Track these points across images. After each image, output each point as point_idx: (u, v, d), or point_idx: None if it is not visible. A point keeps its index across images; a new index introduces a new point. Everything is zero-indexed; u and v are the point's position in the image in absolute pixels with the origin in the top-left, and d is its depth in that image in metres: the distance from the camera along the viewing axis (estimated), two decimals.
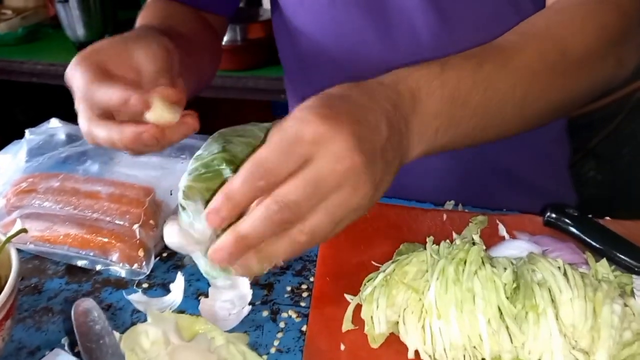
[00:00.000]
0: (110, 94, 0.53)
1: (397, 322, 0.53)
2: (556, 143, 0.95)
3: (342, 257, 0.64)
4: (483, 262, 0.52)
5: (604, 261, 0.56)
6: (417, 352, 0.52)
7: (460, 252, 0.54)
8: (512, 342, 0.48)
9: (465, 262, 0.52)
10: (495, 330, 0.48)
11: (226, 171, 0.54)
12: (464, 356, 0.49)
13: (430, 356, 0.50)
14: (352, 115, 0.47)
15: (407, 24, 0.78)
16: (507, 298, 0.50)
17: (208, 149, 0.57)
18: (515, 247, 0.63)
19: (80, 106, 0.56)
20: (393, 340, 0.53)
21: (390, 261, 0.58)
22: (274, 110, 2.60)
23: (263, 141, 0.49)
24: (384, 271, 0.56)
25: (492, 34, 0.60)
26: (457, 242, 0.66)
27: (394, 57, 0.71)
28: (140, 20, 0.76)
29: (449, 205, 0.75)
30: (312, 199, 0.46)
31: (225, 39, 1.95)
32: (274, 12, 0.93)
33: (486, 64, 0.54)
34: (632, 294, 0.53)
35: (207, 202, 0.54)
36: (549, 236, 0.65)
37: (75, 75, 0.56)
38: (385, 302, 0.53)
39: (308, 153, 0.46)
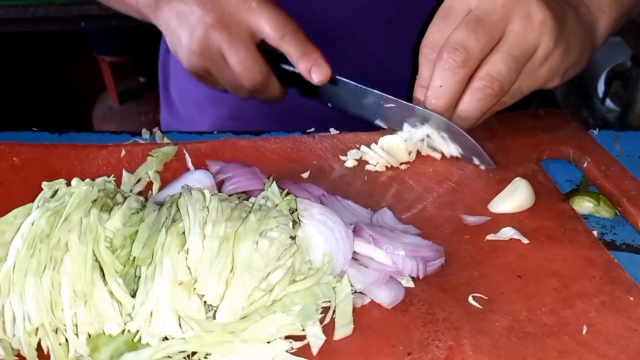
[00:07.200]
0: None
1: None
2: None
3: None
4: (98, 206, 0.39)
5: (274, 185, 0.45)
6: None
7: (67, 195, 0.39)
8: (120, 309, 0.36)
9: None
10: (89, 297, 0.35)
11: None
12: (52, 339, 0.35)
13: (8, 347, 0.35)
14: None
15: None
16: (114, 251, 0.37)
17: None
18: (193, 180, 0.51)
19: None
20: None
21: None
22: (91, 43, 2.20)
23: None
24: None
25: None
26: (125, 179, 0.53)
27: None
28: None
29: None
30: (479, 38, 0.46)
31: None
32: None
33: None
34: (299, 219, 0.43)
35: None
36: (237, 163, 0.54)
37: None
38: None
39: (466, 8, 0.48)
